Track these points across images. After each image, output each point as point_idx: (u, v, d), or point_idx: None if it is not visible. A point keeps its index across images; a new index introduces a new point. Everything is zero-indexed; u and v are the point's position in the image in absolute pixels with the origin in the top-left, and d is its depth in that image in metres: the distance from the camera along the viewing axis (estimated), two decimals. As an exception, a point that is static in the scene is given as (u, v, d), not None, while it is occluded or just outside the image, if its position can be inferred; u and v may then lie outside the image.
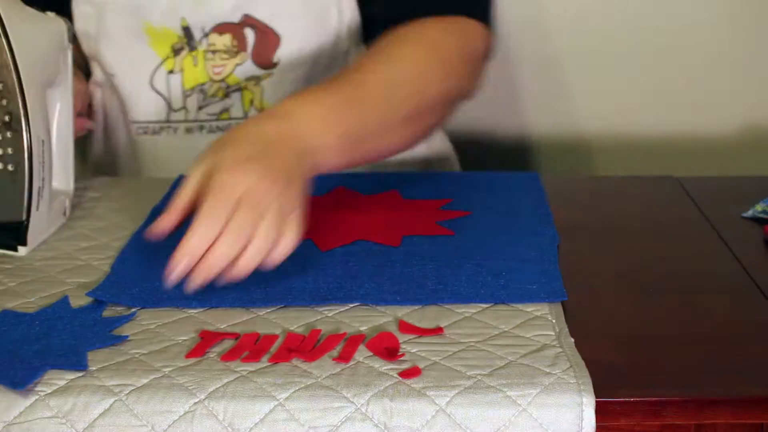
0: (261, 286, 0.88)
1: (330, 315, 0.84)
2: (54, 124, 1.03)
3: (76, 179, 1.07)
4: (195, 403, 0.72)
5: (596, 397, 0.71)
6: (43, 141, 0.98)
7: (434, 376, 0.74)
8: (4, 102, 0.95)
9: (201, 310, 0.85)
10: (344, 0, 1.21)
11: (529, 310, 0.84)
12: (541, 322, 0.82)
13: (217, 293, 0.87)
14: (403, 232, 0.99)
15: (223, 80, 1.22)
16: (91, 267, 0.94)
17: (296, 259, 0.93)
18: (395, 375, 0.74)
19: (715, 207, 1.08)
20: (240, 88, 1.23)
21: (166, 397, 0.72)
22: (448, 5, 1.11)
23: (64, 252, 0.98)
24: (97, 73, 1.28)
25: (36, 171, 0.97)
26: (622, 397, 0.73)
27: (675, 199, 1.12)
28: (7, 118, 0.95)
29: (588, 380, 0.72)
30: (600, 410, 0.71)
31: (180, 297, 0.86)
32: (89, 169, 1.37)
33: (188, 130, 1.24)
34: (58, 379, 0.74)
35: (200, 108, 1.23)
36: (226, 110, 1.24)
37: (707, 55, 1.64)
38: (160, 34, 1.21)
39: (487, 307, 0.84)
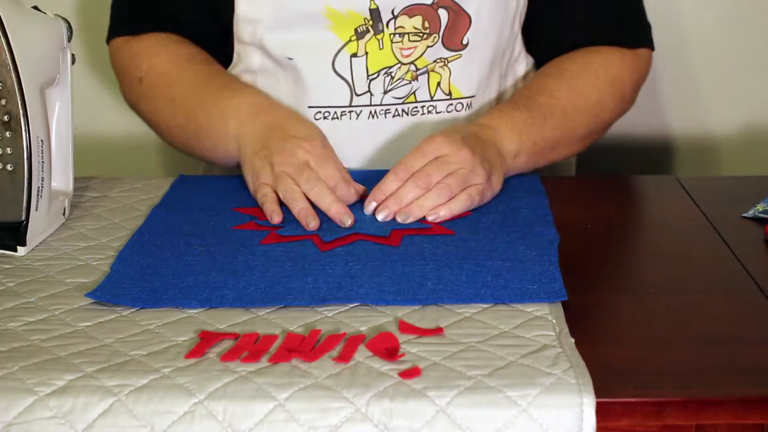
0: (261, 286, 0.88)
1: (330, 315, 0.84)
2: (53, 124, 1.03)
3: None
4: (194, 404, 0.72)
5: (597, 397, 0.71)
6: (42, 141, 0.98)
7: (434, 376, 0.74)
8: (3, 102, 0.95)
9: (200, 310, 0.85)
10: None
11: (529, 310, 0.84)
12: (542, 322, 0.81)
13: (217, 293, 0.87)
14: (403, 232, 0.99)
15: (412, 63, 1.21)
16: (91, 267, 0.94)
17: (296, 259, 0.93)
18: (395, 375, 0.74)
19: (715, 207, 1.08)
20: (427, 71, 1.21)
21: (165, 398, 0.72)
22: (625, 38, 1.25)
23: (64, 252, 0.98)
24: (253, 61, 1.24)
25: (35, 171, 0.97)
26: (622, 398, 0.73)
27: (675, 199, 1.12)
28: (6, 118, 0.95)
29: (588, 380, 0.72)
30: (600, 411, 0.71)
31: (179, 297, 0.86)
32: (215, 168, 1.33)
33: (372, 115, 1.21)
34: (58, 379, 0.74)
35: (386, 92, 1.21)
36: (412, 93, 1.21)
37: (707, 55, 1.63)
38: (342, 18, 1.18)
39: (487, 307, 0.84)
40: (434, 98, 1.21)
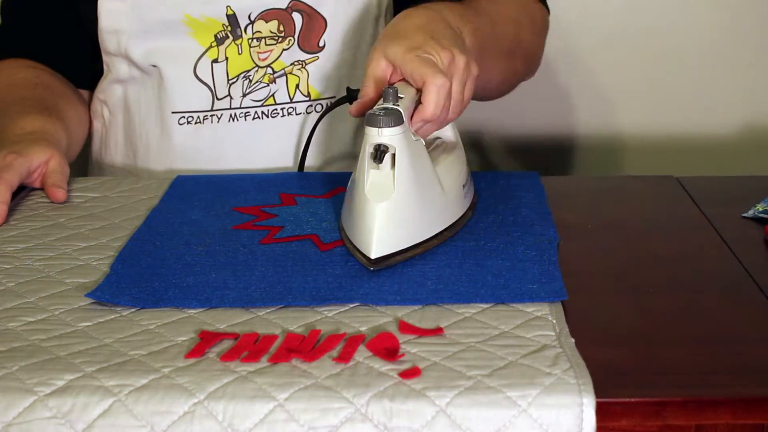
0: (261, 286, 0.88)
1: (330, 315, 0.84)
2: None
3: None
4: (194, 404, 0.72)
5: (597, 397, 0.71)
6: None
7: (434, 376, 0.74)
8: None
9: (200, 310, 0.85)
10: None
11: (529, 310, 0.84)
12: (542, 323, 0.81)
13: (217, 293, 0.87)
14: (403, 232, 0.99)
15: (269, 66, 1.24)
16: (91, 267, 0.94)
17: (296, 259, 0.93)
18: (395, 375, 0.74)
19: (715, 207, 1.08)
20: (285, 73, 1.24)
21: (165, 398, 0.72)
22: None
23: (64, 252, 0.98)
24: (121, 71, 1.28)
25: None
26: (622, 398, 0.73)
27: (675, 199, 1.12)
28: None
29: (588, 380, 0.72)
30: (600, 411, 0.71)
31: (179, 297, 0.86)
32: (94, 171, 1.36)
33: (232, 118, 1.25)
34: (57, 379, 0.74)
35: (245, 95, 1.24)
36: (271, 96, 1.25)
37: (707, 55, 1.64)
38: (201, 24, 1.22)
39: (487, 307, 0.84)
40: (294, 100, 1.25)
